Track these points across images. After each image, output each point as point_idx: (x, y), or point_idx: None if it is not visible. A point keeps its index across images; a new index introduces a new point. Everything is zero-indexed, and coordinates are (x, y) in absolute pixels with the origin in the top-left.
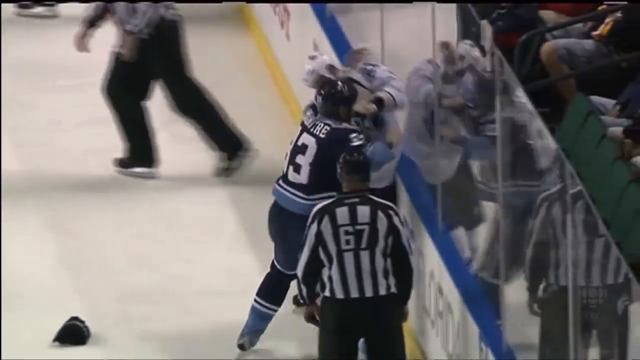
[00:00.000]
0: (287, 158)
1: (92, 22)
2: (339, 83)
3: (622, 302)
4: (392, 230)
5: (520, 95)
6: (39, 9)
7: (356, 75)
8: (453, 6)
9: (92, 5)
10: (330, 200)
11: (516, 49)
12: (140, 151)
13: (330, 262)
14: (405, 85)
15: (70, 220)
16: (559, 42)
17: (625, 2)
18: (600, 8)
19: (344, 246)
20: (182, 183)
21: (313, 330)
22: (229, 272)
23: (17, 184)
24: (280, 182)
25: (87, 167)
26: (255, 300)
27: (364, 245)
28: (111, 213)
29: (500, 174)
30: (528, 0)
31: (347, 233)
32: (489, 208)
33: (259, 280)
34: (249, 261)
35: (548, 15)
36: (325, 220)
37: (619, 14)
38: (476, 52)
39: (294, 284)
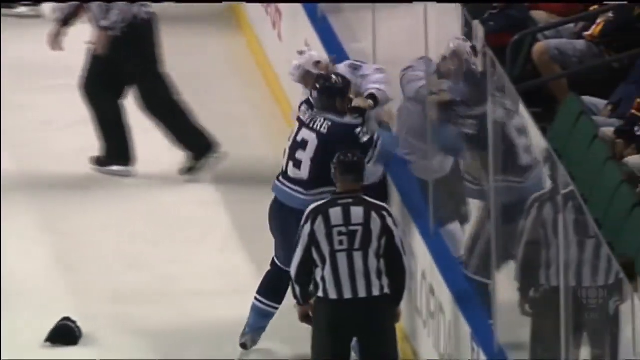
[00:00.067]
0: (286, 154)
1: (66, 21)
2: (333, 76)
3: (614, 302)
4: (386, 231)
5: (505, 92)
6: (22, 9)
7: (342, 70)
8: (446, 6)
9: (66, 4)
10: (323, 201)
11: (508, 49)
12: (117, 149)
13: (324, 262)
14: (399, 83)
15: (62, 221)
16: (551, 43)
17: (617, 3)
18: (591, 8)
19: (337, 247)
20: (175, 183)
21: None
22: (221, 273)
23: (10, 184)
24: (280, 178)
25: (79, 167)
26: (256, 299)
27: (357, 245)
28: (104, 213)
29: (491, 172)
30: (520, 0)
31: (340, 234)
32: (474, 205)
33: (251, 280)
34: (241, 261)
35: (540, 15)
36: (319, 221)
37: (610, 15)
38: (468, 47)
39: None
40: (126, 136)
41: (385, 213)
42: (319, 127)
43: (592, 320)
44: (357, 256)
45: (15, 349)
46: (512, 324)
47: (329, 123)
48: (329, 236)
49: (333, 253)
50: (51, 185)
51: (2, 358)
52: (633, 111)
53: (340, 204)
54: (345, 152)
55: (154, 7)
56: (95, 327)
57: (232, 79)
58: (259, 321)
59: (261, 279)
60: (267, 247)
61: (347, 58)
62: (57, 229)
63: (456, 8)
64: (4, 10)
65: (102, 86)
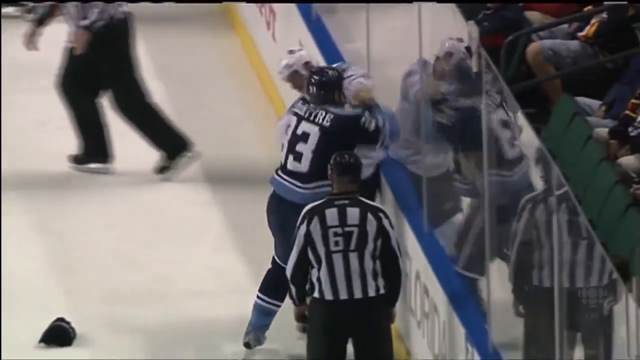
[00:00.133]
0: (285, 148)
1: (41, 21)
2: (328, 69)
3: (608, 302)
4: (382, 232)
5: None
6: (9, 9)
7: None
8: (440, 6)
9: (41, 4)
10: (320, 201)
11: (502, 49)
12: (95, 148)
13: (319, 263)
14: (400, 88)
15: (56, 221)
16: (545, 43)
17: (612, 3)
18: (585, 9)
19: (332, 247)
20: (168, 184)
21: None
22: (216, 273)
23: (6, 184)
24: (279, 172)
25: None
26: (258, 297)
27: (352, 247)
28: (97, 214)
29: (485, 168)
30: (514, 0)
31: (336, 234)
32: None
33: (246, 280)
34: (236, 262)
35: (534, 16)
36: (315, 221)
37: (604, 15)
38: (463, 48)
39: None
40: (104, 134)
41: (381, 214)
42: (320, 120)
43: (591, 321)
44: (353, 257)
45: (9, 349)
46: (506, 323)
47: (331, 116)
48: (325, 237)
49: (329, 254)
50: (46, 185)
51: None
52: (627, 112)
53: (336, 205)
54: (341, 152)
55: (145, 6)
56: (90, 328)
57: (226, 79)
58: (261, 319)
59: (257, 279)
60: (262, 247)
61: (342, 58)
62: (52, 229)
63: (450, 8)
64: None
65: (79, 85)
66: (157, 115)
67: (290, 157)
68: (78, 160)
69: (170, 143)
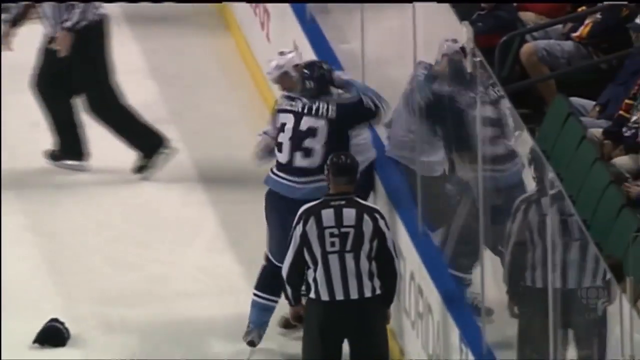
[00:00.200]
0: (286, 146)
1: (15, 22)
2: (318, 62)
3: (602, 302)
4: (378, 233)
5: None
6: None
7: None
8: (433, 7)
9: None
10: (316, 202)
11: (496, 50)
12: (70, 145)
13: (315, 264)
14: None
15: (50, 222)
16: (539, 44)
17: (606, 4)
18: (579, 9)
19: (329, 248)
20: (161, 184)
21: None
22: (209, 273)
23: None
24: (277, 171)
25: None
26: (255, 294)
27: (348, 247)
28: (91, 214)
29: (479, 165)
30: (508, 1)
31: (332, 235)
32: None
33: (239, 280)
34: (229, 262)
35: (528, 16)
36: (311, 222)
37: (598, 16)
38: (457, 48)
39: None
40: (79, 133)
41: (377, 215)
42: (325, 113)
43: (585, 321)
44: (349, 258)
45: (2, 350)
46: (500, 322)
47: (334, 106)
48: (321, 237)
49: (325, 254)
50: (39, 186)
51: None
52: (621, 112)
53: (332, 206)
54: (338, 153)
55: (139, 6)
56: (84, 328)
57: (220, 79)
58: (261, 316)
59: (251, 279)
60: (255, 247)
61: (336, 59)
62: (46, 229)
63: (445, 9)
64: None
65: (54, 85)
66: (132, 116)
67: (298, 155)
68: (54, 156)
69: (147, 142)
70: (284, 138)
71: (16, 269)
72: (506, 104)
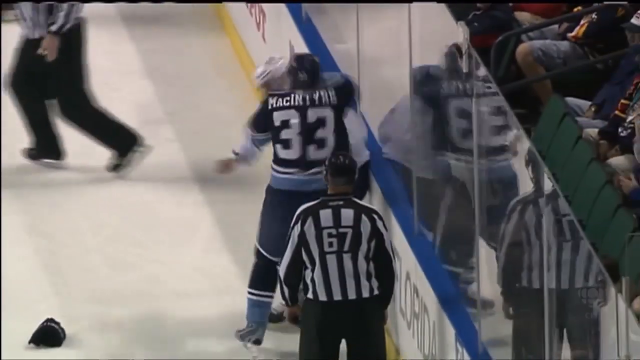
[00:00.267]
0: (296, 143)
1: None
2: (308, 55)
3: (598, 303)
4: (375, 234)
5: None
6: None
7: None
8: (429, 7)
9: None
10: (314, 202)
11: (492, 50)
12: (46, 144)
13: (313, 264)
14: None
15: (46, 222)
16: (535, 44)
17: (600, 4)
18: (575, 10)
19: (326, 248)
20: (158, 184)
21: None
22: (205, 273)
23: None
24: (288, 168)
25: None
26: (252, 293)
27: (346, 248)
28: (88, 215)
29: (475, 160)
30: (504, 0)
31: (330, 235)
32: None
33: (236, 281)
34: (225, 262)
35: (523, 16)
36: (309, 222)
37: (594, 16)
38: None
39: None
40: (54, 132)
41: (375, 216)
42: (328, 100)
43: (580, 321)
44: (347, 258)
45: (0, 350)
46: (495, 320)
47: (332, 91)
48: (319, 238)
49: (323, 255)
50: (37, 186)
51: None
52: (617, 112)
53: (330, 206)
54: (337, 154)
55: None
56: (80, 329)
57: (216, 80)
58: (260, 313)
59: (247, 279)
60: (252, 247)
61: (332, 59)
62: (43, 229)
63: (440, 9)
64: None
65: (29, 85)
66: (104, 117)
67: (311, 148)
68: (31, 155)
69: (121, 141)
70: (291, 134)
71: (14, 269)
72: (502, 102)
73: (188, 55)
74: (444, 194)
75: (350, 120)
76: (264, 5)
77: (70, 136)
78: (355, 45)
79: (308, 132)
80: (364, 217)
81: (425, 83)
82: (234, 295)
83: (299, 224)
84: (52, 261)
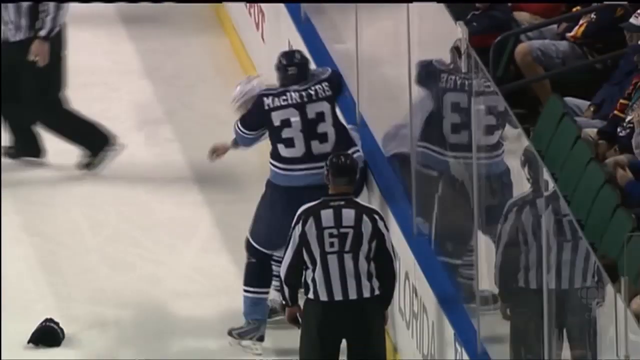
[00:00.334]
0: (299, 139)
1: None
2: (295, 51)
3: (597, 302)
4: (377, 234)
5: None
6: None
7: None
8: (428, 7)
9: None
10: (315, 202)
11: (491, 50)
12: (25, 143)
13: (314, 264)
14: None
15: (46, 221)
16: (534, 44)
17: (599, 4)
18: (574, 9)
19: (328, 248)
20: (157, 184)
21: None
22: (204, 273)
23: None
24: (293, 165)
25: (61, 168)
26: (246, 290)
27: (347, 248)
28: (87, 214)
29: (474, 155)
30: (502, 1)
31: (331, 235)
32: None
33: (235, 281)
34: (224, 262)
35: (522, 16)
36: (310, 222)
37: (593, 16)
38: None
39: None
40: (33, 131)
41: (376, 216)
42: (324, 93)
43: (579, 321)
44: (348, 258)
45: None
46: (494, 317)
47: (325, 83)
48: (320, 238)
49: (324, 255)
50: (36, 186)
51: None
52: (616, 112)
53: (331, 206)
54: (338, 154)
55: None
56: (78, 328)
57: (215, 79)
58: (260, 310)
59: None
60: None
61: (330, 59)
62: (39, 230)
63: (439, 9)
64: None
65: (5, 86)
66: (76, 118)
67: (315, 143)
68: (10, 154)
69: (93, 141)
70: (293, 133)
71: (12, 269)
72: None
73: (187, 55)
74: (439, 187)
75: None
76: (263, 5)
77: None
78: (354, 45)
79: (310, 129)
80: (365, 218)
81: (428, 76)
82: (233, 295)
83: (300, 224)
84: (51, 261)
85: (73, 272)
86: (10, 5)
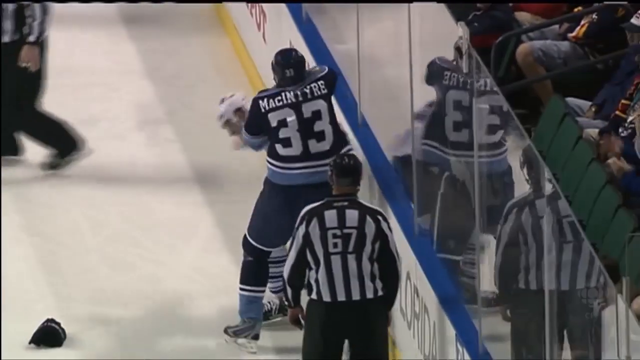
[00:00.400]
0: (296, 138)
1: None
2: (291, 49)
3: (598, 303)
4: (380, 235)
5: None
6: None
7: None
8: (429, 7)
9: None
10: (319, 203)
11: (492, 50)
12: (4, 142)
13: (317, 264)
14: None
15: (47, 222)
16: (535, 44)
17: (601, 4)
18: (575, 10)
19: (331, 249)
20: (158, 184)
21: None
22: (204, 274)
23: None
24: (292, 163)
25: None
26: (242, 289)
27: (351, 248)
28: (87, 215)
29: (476, 153)
30: (504, 0)
31: (335, 236)
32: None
33: (235, 281)
34: (224, 262)
35: (524, 17)
36: (314, 223)
37: (594, 16)
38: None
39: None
40: (10, 132)
41: (380, 217)
42: (320, 92)
43: (581, 322)
44: (351, 259)
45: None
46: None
47: (321, 82)
48: (323, 238)
49: (327, 255)
50: (36, 186)
51: None
52: (617, 112)
53: (335, 207)
54: (341, 155)
55: (136, 7)
56: (80, 329)
57: (216, 80)
58: (255, 309)
59: None
60: None
61: (332, 59)
62: (39, 230)
63: (440, 9)
64: None
65: None
66: (49, 121)
67: (312, 142)
68: None
69: (62, 144)
70: (290, 132)
71: (13, 269)
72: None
73: (188, 55)
74: (441, 185)
75: None
76: (265, 6)
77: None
78: (356, 45)
79: (306, 127)
80: (368, 218)
81: (432, 75)
82: (233, 296)
83: (303, 225)
84: (51, 261)
85: (73, 272)
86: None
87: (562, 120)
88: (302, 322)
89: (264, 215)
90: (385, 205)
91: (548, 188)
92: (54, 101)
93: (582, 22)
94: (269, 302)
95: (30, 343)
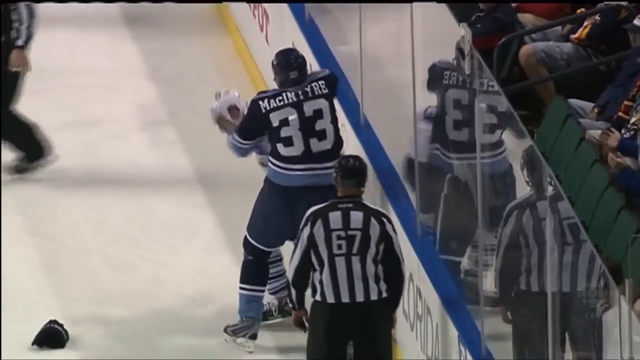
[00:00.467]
0: (298, 137)
1: None
2: (292, 50)
3: (601, 304)
4: (384, 237)
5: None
6: None
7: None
8: (431, 8)
9: None
10: (324, 204)
11: (495, 52)
12: None
13: (322, 266)
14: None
15: (48, 222)
16: (538, 45)
17: (606, 4)
18: (578, 11)
19: (335, 250)
20: (158, 185)
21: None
22: (206, 274)
23: None
24: (294, 164)
25: (62, 170)
26: (242, 288)
27: (355, 250)
28: (88, 215)
29: (478, 153)
30: (507, 1)
31: (339, 238)
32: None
33: (236, 282)
34: (226, 263)
35: (526, 18)
36: (318, 224)
37: (597, 17)
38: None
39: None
40: None
41: (384, 219)
42: (321, 91)
43: (583, 323)
44: (355, 261)
45: (1, 351)
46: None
47: (322, 82)
48: (328, 240)
49: (331, 257)
50: (38, 186)
51: None
52: (620, 114)
53: (340, 208)
54: (346, 156)
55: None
56: (82, 330)
57: (219, 81)
58: (254, 308)
59: None
60: None
61: (334, 60)
62: (41, 231)
63: (443, 10)
64: None
65: None
66: (21, 125)
67: (314, 140)
68: None
69: (32, 149)
70: (292, 131)
71: (14, 270)
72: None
73: (189, 55)
74: (444, 187)
75: None
76: (267, 6)
77: (70, 137)
78: (358, 45)
79: (307, 126)
80: (373, 220)
81: (433, 79)
82: (234, 296)
83: (308, 226)
84: (52, 261)
85: (74, 273)
86: None
87: (564, 122)
88: (306, 324)
89: (264, 216)
90: (387, 206)
91: (550, 189)
92: (55, 102)
93: (585, 24)
94: (268, 303)
95: (32, 344)
